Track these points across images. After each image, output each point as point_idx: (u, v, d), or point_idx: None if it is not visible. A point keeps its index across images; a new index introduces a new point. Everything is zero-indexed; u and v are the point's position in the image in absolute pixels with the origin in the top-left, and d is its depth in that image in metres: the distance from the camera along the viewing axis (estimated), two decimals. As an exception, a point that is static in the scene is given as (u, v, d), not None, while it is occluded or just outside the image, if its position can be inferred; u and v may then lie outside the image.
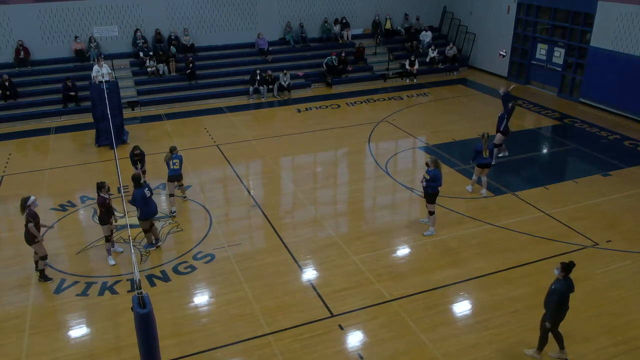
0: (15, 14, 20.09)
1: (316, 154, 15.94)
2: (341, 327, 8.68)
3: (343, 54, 22.88)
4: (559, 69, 20.77)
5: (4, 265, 10.52)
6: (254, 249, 11.01)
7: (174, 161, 12.13)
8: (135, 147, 13.16)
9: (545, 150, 16.59)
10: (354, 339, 8.52)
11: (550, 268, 9.96)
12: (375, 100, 20.84)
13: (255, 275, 10.03)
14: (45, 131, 18.05)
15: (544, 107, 19.53)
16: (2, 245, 11.32)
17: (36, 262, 9.95)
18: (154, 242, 10.90)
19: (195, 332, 8.67)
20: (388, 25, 25.29)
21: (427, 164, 11.14)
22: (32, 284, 9.88)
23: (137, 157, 13.04)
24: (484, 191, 12.86)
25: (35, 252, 9.84)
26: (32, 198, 9.72)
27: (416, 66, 23.07)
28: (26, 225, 9.57)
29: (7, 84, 19.07)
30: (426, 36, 25.02)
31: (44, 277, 9.89)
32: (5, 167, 14.92)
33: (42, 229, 9.95)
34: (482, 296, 9.45)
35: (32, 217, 9.57)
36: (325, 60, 22.55)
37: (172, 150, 12.20)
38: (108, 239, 10.43)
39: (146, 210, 10.59)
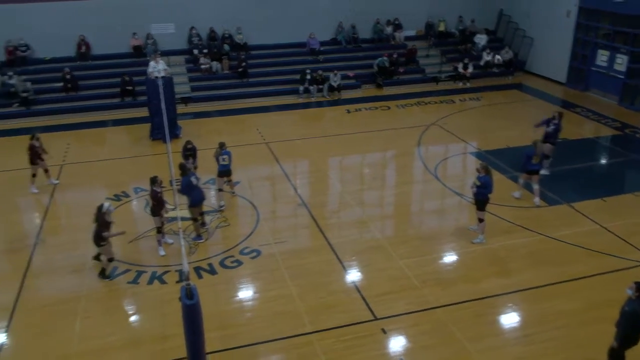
0: (78, 10, 20.90)
1: (364, 155, 15.87)
2: (384, 331, 8.59)
3: (395, 56, 22.70)
4: (621, 77, 19.89)
5: (61, 250, 10.97)
6: (299, 247, 11.05)
7: (224, 157, 12.34)
8: (188, 142, 13.46)
9: (603, 161, 15.93)
10: (397, 343, 8.42)
11: (604, 284, 9.62)
12: (426, 103, 20.56)
13: (300, 273, 10.07)
14: (103, 123, 18.73)
15: (603, 116, 18.75)
16: (60, 231, 11.81)
17: (98, 255, 10.15)
18: (198, 236, 11.12)
19: (238, 326, 8.78)
20: (442, 27, 24.92)
21: (477, 170, 10.90)
22: (87, 270, 10.24)
23: (189, 152, 13.32)
24: (537, 200, 12.47)
25: (102, 253, 9.98)
26: (106, 205, 9.80)
27: (470, 69, 22.60)
28: (97, 230, 9.64)
29: (68, 77, 19.89)
30: (481, 39, 24.49)
31: (103, 275, 9.97)
32: (64, 157, 15.54)
33: (113, 231, 9.94)
34: (530, 309, 9.15)
35: (105, 226, 9.65)
36: (377, 62, 22.42)
37: (222, 146, 12.41)
38: (159, 230, 10.71)
39: (193, 196, 10.87)
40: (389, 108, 20.03)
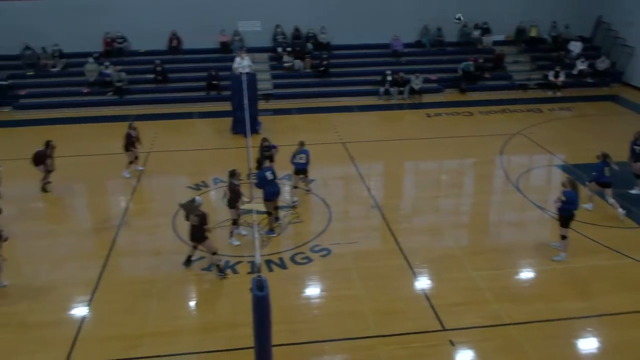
0: (171, 5, 21.93)
1: (442, 161, 15.51)
2: (452, 343, 8.33)
3: (481, 60, 22.03)
4: None
5: (144, 232, 11.58)
6: (369, 249, 10.97)
7: (301, 155, 12.47)
8: (264, 140, 13.67)
9: None
10: (465, 357, 8.16)
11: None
12: (511, 111, 19.77)
13: (369, 275, 9.99)
14: (189, 115, 19.55)
15: None
16: (143, 215, 12.43)
17: (189, 257, 10.20)
18: (271, 230, 11.31)
19: (304, 322, 8.85)
20: (534, 33, 23.83)
21: (563, 184, 10.33)
22: (165, 253, 10.71)
23: (266, 150, 13.40)
24: (621, 210, 11.67)
25: (204, 249, 10.06)
26: (199, 199, 9.97)
27: (561, 78, 21.46)
28: (197, 226, 9.71)
29: (159, 69, 20.93)
30: (575, 46, 23.21)
31: (220, 271, 9.99)
32: (152, 145, 16.34)
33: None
34: (610, 335, 8.53)
35: (203, 220, 9.70)
36: (461, 66, 21.85)
37: (301, 144, 12.56)
38: (234, 222, 11.00)
39: (267, 190, 11.10)
40: (471, 114, 19.46)
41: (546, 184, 14.17)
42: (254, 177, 11.32)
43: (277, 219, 11.61)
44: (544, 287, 9.74)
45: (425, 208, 12.62)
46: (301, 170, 12.63)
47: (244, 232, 11.38)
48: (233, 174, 10.75)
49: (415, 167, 15.24)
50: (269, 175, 11.18)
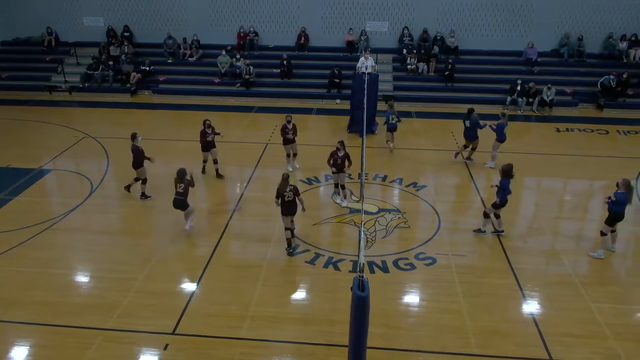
0: (303, 3, 22.58)
1: (568, 180, 14.39)
2: (559, 376, 7.71)
3: (625, 75, 20.09)
4: None
5: (253, 219, 12.04)
6: (477, 264, 10.48)
7: None
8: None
9: None
10: (573, 394, 7.50)
11: None
12: (655, 133, 17.85)
13: (474, 291, 9.54)
14: (308, 110, 20.03)
15: None
16: (255, 203, 12.92)
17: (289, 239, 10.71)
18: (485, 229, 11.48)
19: (401, 328, 8.67)
20: (692, 48, 21.33)
21: (617, 185, 10.44)
22: (273, 242, 11.06)
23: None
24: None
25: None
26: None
27: None
28: (297, 198, 10.49)
29: (285, 62, 21.66)
30: None
31: (289, 247, 10.67)
32: (270, 137, 16.95)
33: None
34: None
35: (297, 192, 10.51)
36: (602, 80, 20.12)
37: None
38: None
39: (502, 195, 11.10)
40: (607, 132, 17.85)
41: (690, 217, 12.55)
42: (368, 182, 11.25)
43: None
44: (676, 333, 8.66)
45: (544, 228, 11.79)
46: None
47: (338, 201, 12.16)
48: None
49: (538, 183, 14.28)
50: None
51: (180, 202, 10.96)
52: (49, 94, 22.06)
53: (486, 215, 11.30)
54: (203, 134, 13.65)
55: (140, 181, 12.82)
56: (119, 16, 23.67)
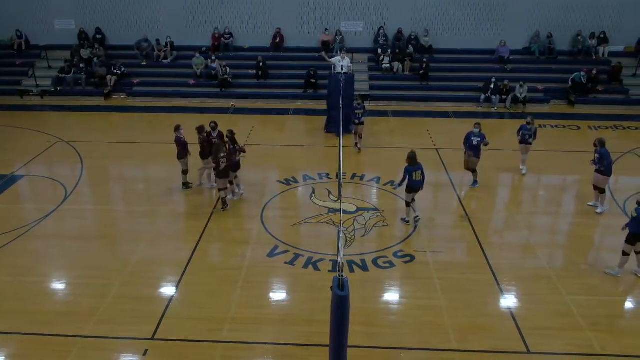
0: (278, 3, 22.55)
1: (541, 176, 14.66)
2: (537, 368, 7.85)
3: (594, 72, 20.57)
4: None
5: (234, 221, 11.96)
6: (455, 261, 10.61)
7: (416, 172, 11.43)
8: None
9: None
10: (550, 385, 7.64)
11: None
12: (625, 128, 18.30)
13: (453, 287, 9.65)
14: (285, 111, 20.01)
15: None
16: (235, 204, 12.82)
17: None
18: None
19: (382, 326, 8.72)
20: (658, 45, 21.91)
21: (638, 203, 9.64)
22: (251, 243, 11.02)
23: None
24: None
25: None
26: None
27: (686, 95, 19.57)
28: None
29: (261, 64, 21.60)
30: None
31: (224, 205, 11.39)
32: (247, 138, 16.88)
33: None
34: None
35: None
36: (572, 76, 20.58)
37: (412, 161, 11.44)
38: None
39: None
40: (578, 128, 18.24)
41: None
42: (346, 182, 11.28)
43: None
44: (648, 322, 8.90)
45: (519, 224, 11.98)
46: (416, 188, 11.59)
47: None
48: None
49: (513, 179, 14.50)
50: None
51: (235, 164, 12.20)
52: (20, 99, 21.62)
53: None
54: (205, 140, 12.80)
55: (181, 171, 13.15)
56: (90, 18, 23.30)
